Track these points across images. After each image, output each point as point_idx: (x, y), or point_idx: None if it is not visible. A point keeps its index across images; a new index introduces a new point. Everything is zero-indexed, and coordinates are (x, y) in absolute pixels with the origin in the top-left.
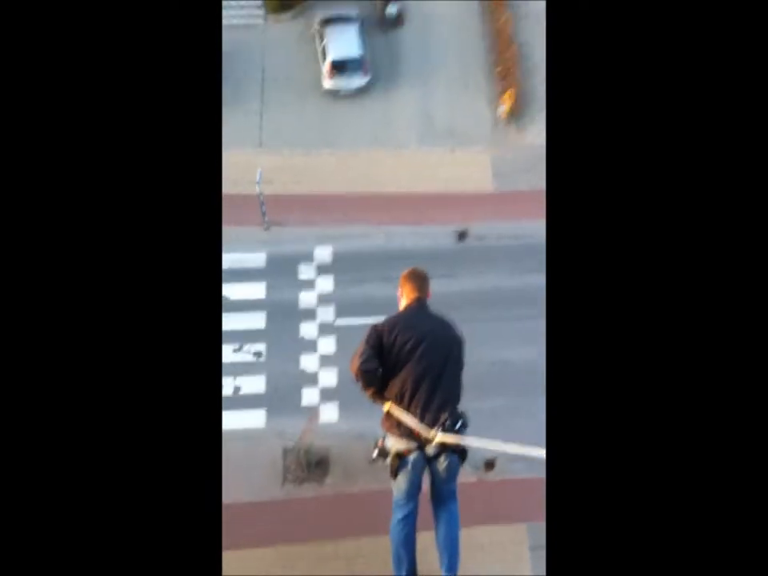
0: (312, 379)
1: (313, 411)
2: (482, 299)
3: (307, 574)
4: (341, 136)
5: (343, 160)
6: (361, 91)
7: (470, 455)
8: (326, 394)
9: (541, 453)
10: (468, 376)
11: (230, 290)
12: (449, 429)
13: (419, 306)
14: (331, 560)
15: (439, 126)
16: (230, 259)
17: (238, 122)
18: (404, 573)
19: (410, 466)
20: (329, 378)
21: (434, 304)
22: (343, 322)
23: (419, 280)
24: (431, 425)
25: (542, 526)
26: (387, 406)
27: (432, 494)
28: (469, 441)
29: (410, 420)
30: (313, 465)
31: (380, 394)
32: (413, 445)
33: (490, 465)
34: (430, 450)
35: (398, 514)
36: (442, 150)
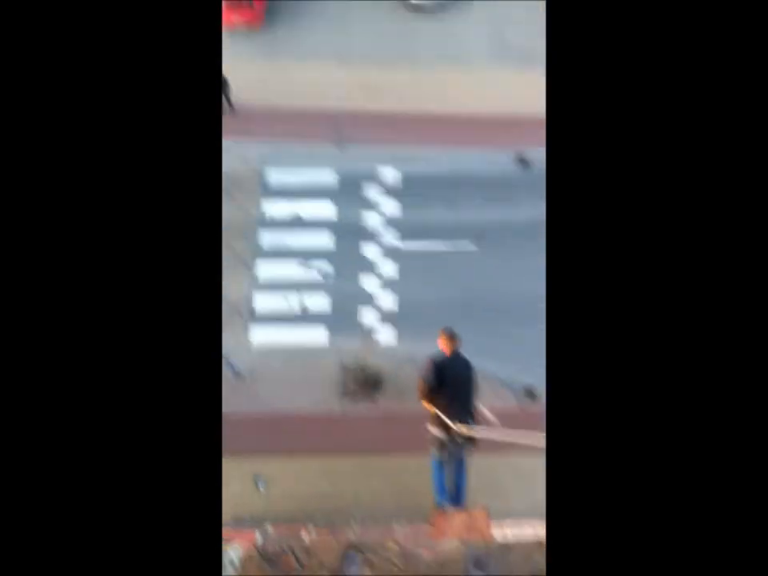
0: (372, 301)
1: (371, 332)
2: (540, 229)
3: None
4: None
5: (417, 77)
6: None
7: (507, 382)
8: (386, 317)
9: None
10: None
11: (300, 207)
12: (465, 426)
13: (455, 352)
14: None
15: (512, 44)
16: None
17: None
18: (442, 495)
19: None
20: (389, 301)
21: (495, 232)
22: (407, 245)
23: (453, 335)
24: (456, 422)
25: None
26: (433, 410)
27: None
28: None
29: (445, 419)
30: (368, 383)
31: (431, 402)
32: (446, 434)
33: (530, 394)
34: (456, 438)
35: (435, 465)
36: (511, 70)
